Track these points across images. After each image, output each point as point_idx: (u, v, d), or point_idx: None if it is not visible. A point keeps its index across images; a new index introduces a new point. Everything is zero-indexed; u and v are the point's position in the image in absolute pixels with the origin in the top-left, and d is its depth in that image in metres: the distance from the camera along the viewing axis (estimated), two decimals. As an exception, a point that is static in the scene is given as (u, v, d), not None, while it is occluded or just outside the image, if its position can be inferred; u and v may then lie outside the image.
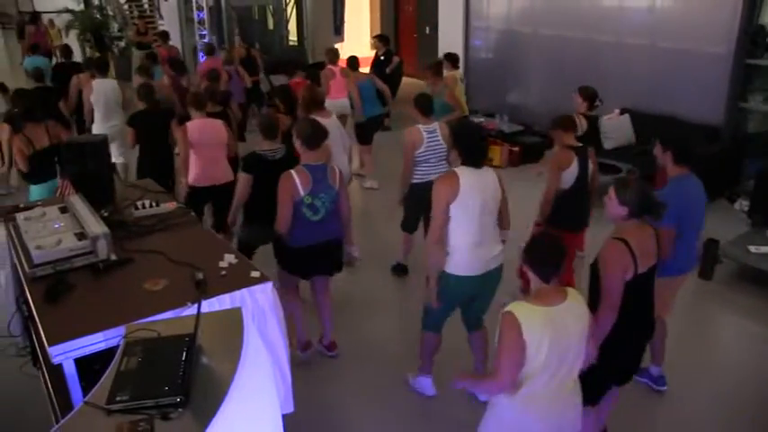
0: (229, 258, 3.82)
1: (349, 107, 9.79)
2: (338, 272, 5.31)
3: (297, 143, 4.89)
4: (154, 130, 7.19)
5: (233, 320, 2.93)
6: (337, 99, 9.66)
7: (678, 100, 9.25)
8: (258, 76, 12.07)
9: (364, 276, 7.05)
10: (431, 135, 6.12)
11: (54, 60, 15.86)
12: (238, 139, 7.93)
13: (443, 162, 5.98)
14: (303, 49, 16.24)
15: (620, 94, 9.62)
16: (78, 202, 4.45)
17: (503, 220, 4.45)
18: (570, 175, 5.55)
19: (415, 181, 6.19)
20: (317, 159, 4.86)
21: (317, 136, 4.85)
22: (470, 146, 4.27)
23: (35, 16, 19.66)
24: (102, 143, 5.04)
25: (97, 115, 8.69)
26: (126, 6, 22.64)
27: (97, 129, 8.63)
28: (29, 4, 26.92)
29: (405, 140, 6.11)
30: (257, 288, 3.55)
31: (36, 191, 6.63)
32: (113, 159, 8.72)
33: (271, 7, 18.18)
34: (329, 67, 10.00)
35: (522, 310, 3.12)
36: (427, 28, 16.21)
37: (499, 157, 10.18)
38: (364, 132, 9.58)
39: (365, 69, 10.70)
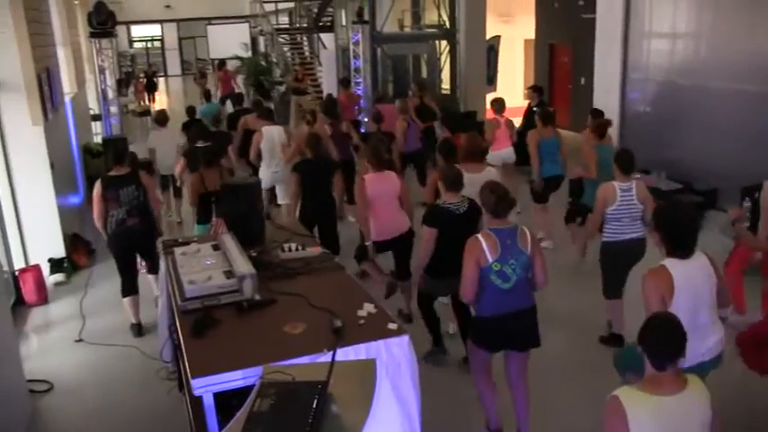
0: (368, 308, 3.80)
1: (514, 156, 9.61)
2: (535, 347, 4.65)
3: (484, 212, 4.63)
4: (318, 178, 7.23)
5: (367, 372, 2.90)
6: (502, 149, 9.50)
7: None
8: (432, 123, 12.11)
9: (555, 341, 6.00)
10: (625, 193, 5.87)
11: (223, 104, 17.03)
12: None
13: (638, 222, 5.87)
14: (455, 97, 16.36)
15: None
16: (229, 241, 4.61)
17: (720, 299, 3.95)
18: None
19: (605, 239, 6.00)
20: (505, 224, 4.48)
21: (503, 206, 4.46)
22: (680, 235, 3.83)
23: (222, 62, 21.09)
24: (256, 187, 5.26)
25: (264, 159, 9.17)
26: (289, 54, 23.91)
27: (263, 172, 9.11)
28: (205, 50, 29.05)
29: (597, 196, 5.97)
30: (394, 341, 3.50)
31: (200, 228, 7.05)
32: (279, 201, 9.40)
33: (425, 56, 18.54)
34: (495, 116, 9.79)
35: (631, 397, 2.82)
36: (582, 79, 15.90)
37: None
38: (541, 191, 8.67)
39: (516, 119, 10.49)
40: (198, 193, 6.98)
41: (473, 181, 5.77)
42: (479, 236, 4.40)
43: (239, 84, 21.18)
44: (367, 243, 6.39)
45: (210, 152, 7.23)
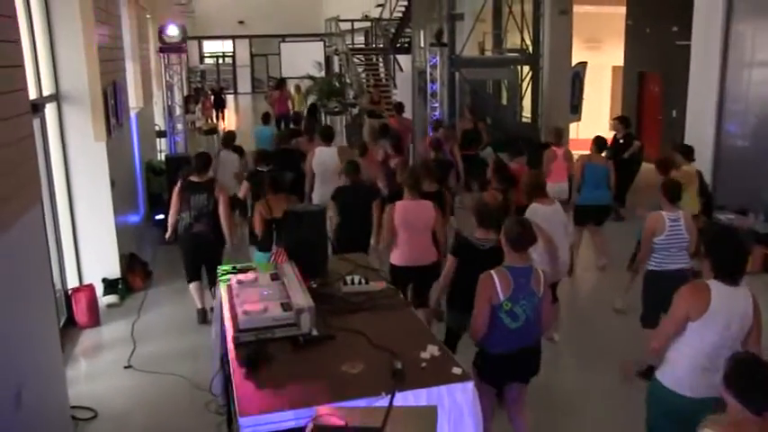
0: (432, 350, 3.76)
1: (567, 192, 9.45)
2: (534, 376, 4.94)
3: (503, 241, 4.63)
4: (354, 206, 7.46)
5: (426, 420, 2.86)
6: (556, 183, 9.32)
7: None
8: (475, 150, 12.03)
9: (576, 374, 6.68)
10: (674, 223, 6.26)
11: (279, 126, 17.29)
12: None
13: (684, 252, 6.27)
14: (536, 126, 16.22)
15: None
16: (289, 271, 4.67)
17: (750, 339, 3.99)
18: None
19: (651, 268, 6.37)
20: (521, 261, 4.55)
21: (524, 239, 4.56)
22: (727, 259, 3.90)
23: (281, 82, 21.56)
24: (320, 214, 5.33)
25: (317, 182, 9.22)
26: (363, 75, 24.19)
27: (316, 195, 9.19)
28: (277, 68, 29.65)
29: (645, 225, 6.34)
30: (458, 387, 3.47)
31: (259, 257, 7.15)
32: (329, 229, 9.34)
33: (506, 82, 18.47)
34: (552, 148, 9.79)
35: None
36: (674, 111, 15.55)
37: (751, 262, 9.27)
38: (578, 216, 9.13)
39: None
40: (264, 220, 7.10)
41: (545, 215, 6.23)
42: (493, 272, 4.48)
43: (296, 103, 21.57)
44: (374, 245, 6.91)
45: (275, 178, 7.37)
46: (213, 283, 7.27)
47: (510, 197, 7.14)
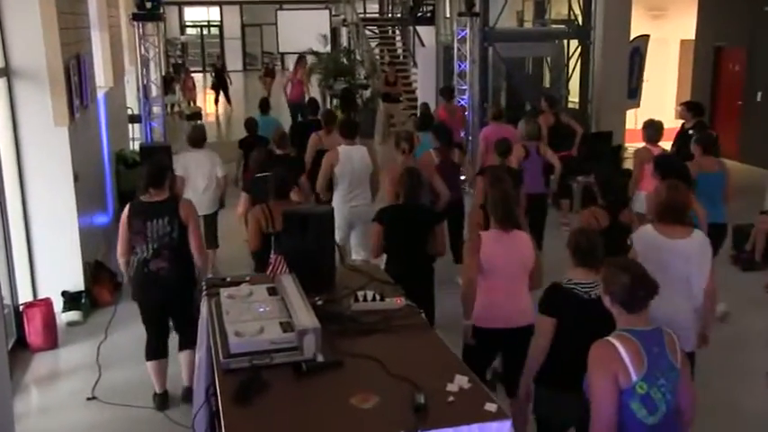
0: (461, 381, 3.76)
1: None
2: None
3: (607, 300, 3.98)
4: (407, 231, 6.78)
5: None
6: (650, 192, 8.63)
7: None
8: (570, 151, 11.69)
9: None
10: None
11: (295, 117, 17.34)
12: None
13: None
14: (586, 114, 16.18)
15: None
16: (290, 285, 4.69)
17: None
18: None
19: None
20: (643, 321, 3.84)
21: (638, 293, 3.84)
22: None
23: (302, 57, 21.71)
24: (326, 217, 5.34)
25: (339, 189, 8.80)
26: (377, 51, 24.23)
27: (338, 207, 8.58)
28: (273, 42, 29.75)
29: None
30: (492, 426, 3.46)
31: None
32: (354, 255, 8.98)
33: (548, 60, 18.45)
34: (646, 146, 9.14)
35: None
36: (759, 94, 15.47)
37: None
38: None
39: (666, 144, 9.95)
40: (260, 233, 6.79)
41: (675, 251, 5.36)
42: (613, 340, 3.78)
43: (310, 87, 21.61)
44: (466, 322, 5.80)
45: (281, 180, 7.01)
46: (187, 343, 6.51)
47: (620, 219, 6.56)
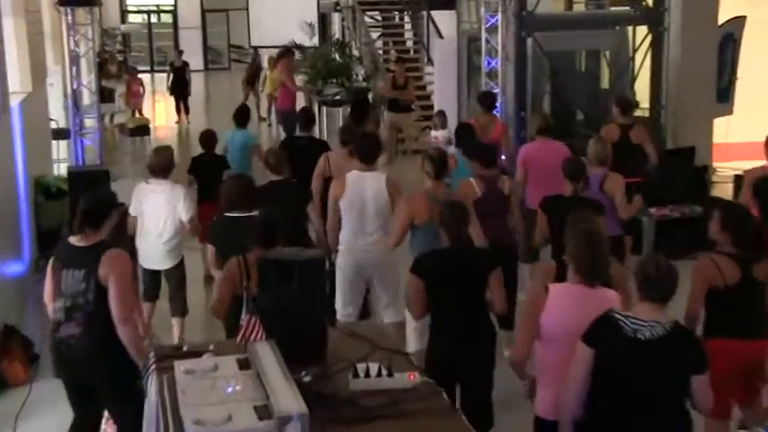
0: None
1: None
2: None
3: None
4: (460, 284, 6.76)
5: None
6: None
7: None
8: (639, 177, 11.44)
9: None
10: None
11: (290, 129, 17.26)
12: None
13: None
14: (658, 123, 16.10)
15: None
16: (268, 355, 4.68)
17: None
18: None
19: None
20: None
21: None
22: None
23: (287, 51, 21.53)
24: (316, 264, 5.33)
25: (346, 227, 8.82)
26: (380, 44, 24.26)
27: (344, 249, 8.78)
28: (244, 33, 29.90)
29: None
30: None
31: None
32: (386, 319, 8.88)
33: (606, 54, 18.39)
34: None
35: None
36: None
37: None
38: None
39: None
40: (231, 295, 6.82)
41: None
42: None
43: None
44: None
45: (271, 221, 6.99)
46: None
47: (754, 274, 6.38)
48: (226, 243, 7.74)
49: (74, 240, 6.51)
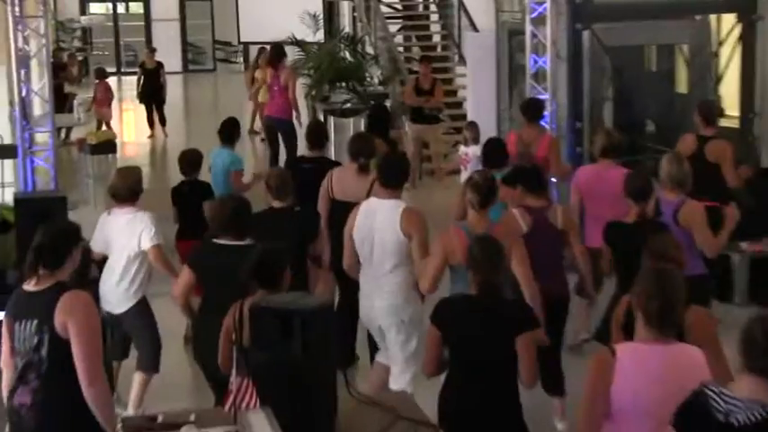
0: None
1: None
2: None
3: None
4: (471, 338, 6.73)
5: None
6: None
7: None
8: (719, 202, 11.32)
9: None
10: None
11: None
12: None
13: None
14: (750, 134, 16.07)
15: None
16: (262, 427, 4.78)
17: None
18: None
19: None
20: None
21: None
22: None
23: (278, 51, 21.22)
24: (324, 312, 5.35)
25: (364, 276, 8.97)
26: (400, 38, 24.30)
27: (363, 295, 8.89)
28: (232, 27, 30.03)
29: None
30: None
31: None
32: (393, 384, 8.74)
33: (684, 50, 18.40)
34: None
35: None
36: None
37: None
38: None
39: None
40: (230, 343, 6.77)
41: None
42: None
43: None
44: None
45: (273, 257, 7.02)
46: None
47: None
48: (207, 273, 7.88)
49: (27, 285, 6.44)
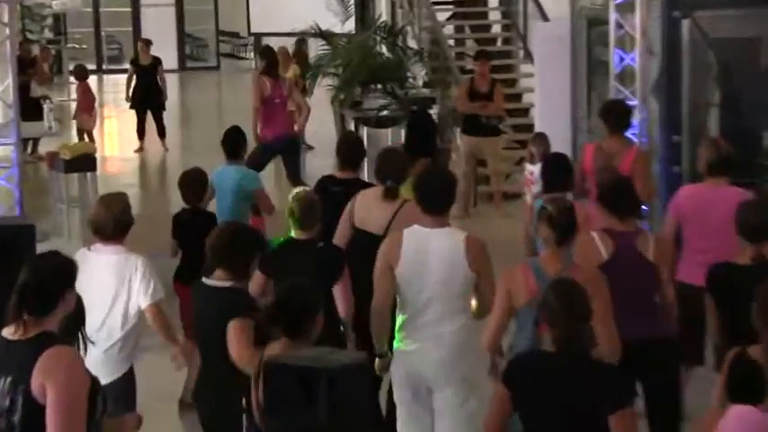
0: None
1: None
2: None
3: None
4: (550, 406, 6.74)
5: None
6: None
7: None
8: None
9: None
10: None
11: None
12: None
13: None
14: None
15: None
16: None
17: None
18: None
19: None
20: None
21: None
22: None
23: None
24: (357, 372, 5.36)
25: (403, 311, 8.91)
26: (450, 29, 24.36)
27: (399, 346, 8.90)
28: (241, 16, 30.22)
29: None
30: None
31: None
32: None
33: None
34: None
35: None
36: None
37: None
38: None
39: None
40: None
41: None
42: None
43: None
44: None
45: (301, 298, 7.04)
46: None
47: None
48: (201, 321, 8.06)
49: (7, 333, 6.44)
